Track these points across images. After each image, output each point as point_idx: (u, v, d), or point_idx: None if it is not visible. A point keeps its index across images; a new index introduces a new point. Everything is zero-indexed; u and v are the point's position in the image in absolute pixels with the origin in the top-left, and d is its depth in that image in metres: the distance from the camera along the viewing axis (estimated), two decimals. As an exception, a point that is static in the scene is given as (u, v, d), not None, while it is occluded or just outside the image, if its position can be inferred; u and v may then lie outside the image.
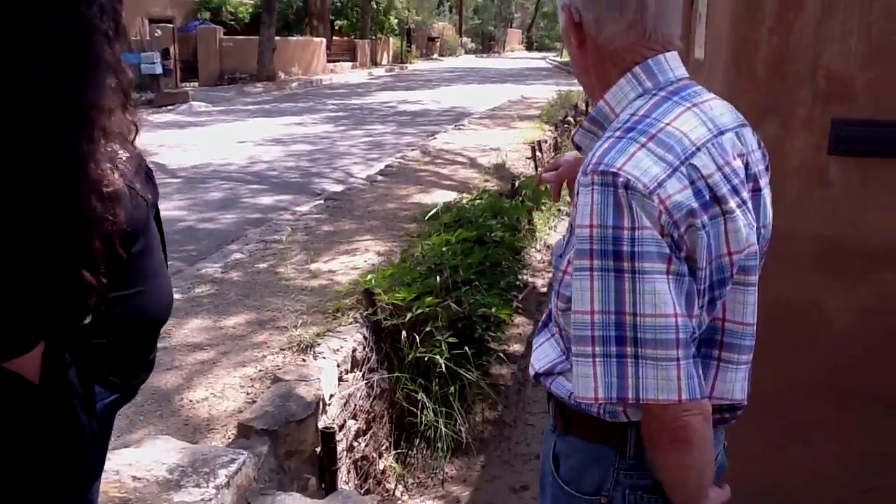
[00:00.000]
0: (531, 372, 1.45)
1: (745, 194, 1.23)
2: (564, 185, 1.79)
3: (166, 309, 1.61)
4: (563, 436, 1.39)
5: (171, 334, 4.25)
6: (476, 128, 13.76)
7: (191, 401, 3.55)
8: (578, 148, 1.38)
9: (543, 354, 1.41)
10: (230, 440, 3.15)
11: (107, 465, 2.52)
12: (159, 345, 4.10)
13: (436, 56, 48.77)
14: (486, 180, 8.76)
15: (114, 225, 1.30)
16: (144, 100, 18.07)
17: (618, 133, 1.20)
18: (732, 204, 1.19)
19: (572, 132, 1.40)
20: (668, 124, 1.19)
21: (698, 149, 1.19)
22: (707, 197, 1.17)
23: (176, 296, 4.87)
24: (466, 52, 55.23)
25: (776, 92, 2.30)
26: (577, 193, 1.18)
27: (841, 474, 2.59)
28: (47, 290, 1.26)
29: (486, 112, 16.35)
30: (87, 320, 1.36)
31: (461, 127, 13.95)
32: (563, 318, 1.29)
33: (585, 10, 1.27)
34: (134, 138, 1.40)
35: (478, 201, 6.84)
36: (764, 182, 1.33)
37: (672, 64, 1.29)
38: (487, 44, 62.21)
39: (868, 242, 2.33)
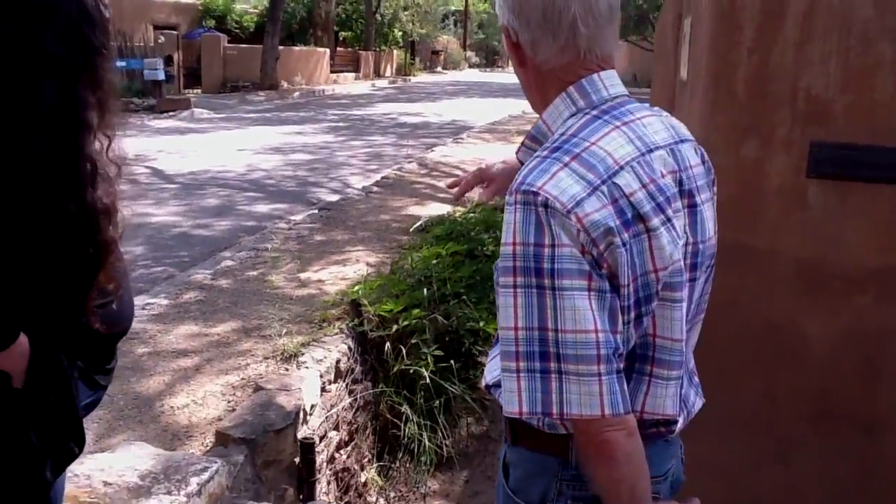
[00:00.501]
0: (483, 383, 1.46)
1: (671, 211, 1.24)
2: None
3: (131, 317, 1.63)
4: (511, 446, 1.40)
5: (156, 340, 4.24)
6: (475, 141, 13.78)
7: (171, 407, 3.54)
8: (522, 164, 1.39)
9: (494, 367, 1.41)
10: (208, 448, 3.14)
11: (78, 470, 2.52)
12: (142, 350, 4.09)
13: (439, 69, 48.93)
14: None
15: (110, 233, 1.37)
16: (146, 105, 18.13)
17: (545, 153, 1.22)
18: (656, 221, 1.20)
19: (517, 151, 1.43)
20: (593, 143, 1.21)
21: (621, 167, 1.20)
22: (629, 215, 1.18)
23: (164, 302, 4.88)
24: (470, 66, 55.42)
25: (756, 112, 2.30)
26: (505, 211, 1.20)
27: (820, 496, 2.58)
28: (54, 292, 1.33)
29: (487, 126, 16.39)
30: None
31: (460, 140, 13.98)
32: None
33: (521, 32, 1.29)
34: (108, 151, 1.44)
35: (470, 215, 6.84)
36: (705, 197, 1.33)
37: (607, 82, 1.30)
38: (491, 58, 62.40)
39: (847, 265, 2.33)
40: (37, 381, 1.35)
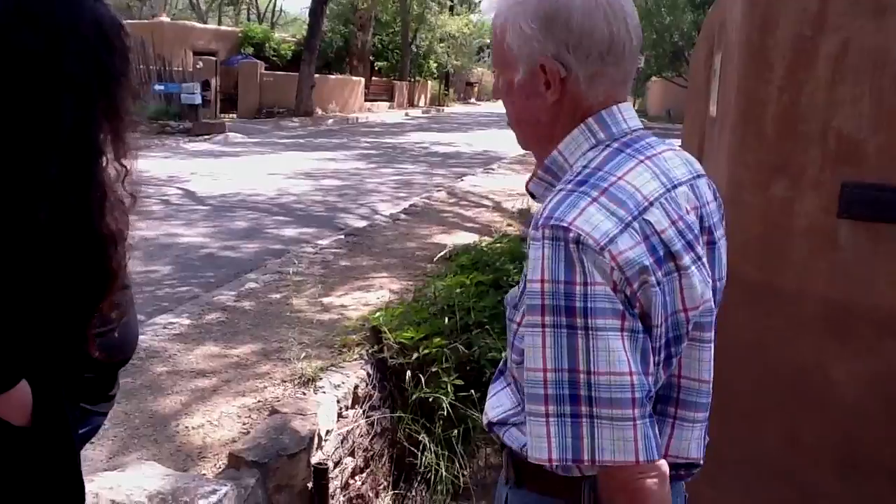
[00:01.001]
0: (484, 420, 1.40)
1: (700, 249, 1.21)
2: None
3: (134, 344, 1.61)
4: (515, 488, 1.34)
5: (175, 359, 4.25)
6: (505, 172, 13.79)
7: (186, 427, 3.53)
8: (532, 195, 1.36)
9: (498, 403, 1.36)
10: (220, 470, 3.12)
11: (88, 488, 2.51)
12: (161, 368, 4.09)
13: (473, 100, 49.24)
14: (510, 224, 8.75)
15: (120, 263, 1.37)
16: (182, 128, 18.42)
17: (569, 186, 1.17)
18: (687, 259, 1.17)
19: (528, 182, 1.39)
20: (620, 178, 1.17)
21: (651, 203, 1.16)
22: (661, 253, 1.15)
23: (186, 321, 4.90)
24: (504, 98, 55.59)
25: (786, 151, 2.26)
26: (529, 247, 1.15)
27: (842, 549, 2.49)
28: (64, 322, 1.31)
29: (517, 157, 16.39)
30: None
31: (490, 170, 14.00)
32: (517, 371, 1.26)
33: (577, 66, 1.23)
34: (124, 179, 1.42)
35: (496, 245, 6.81)
36: (720, 234, 1.31)
37: (626, 115, 1.27)
38: (525, 91, 62.62)
39: (878, 309, 2.27)
40: (39, 434, 1.32)
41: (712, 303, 1.22)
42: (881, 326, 2.31)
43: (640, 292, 1.12)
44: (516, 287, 1.31)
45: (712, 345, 1.25)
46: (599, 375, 1.08)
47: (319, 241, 7.90)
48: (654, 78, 34.25)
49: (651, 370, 1.14)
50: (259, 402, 3.76)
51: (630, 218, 1.13)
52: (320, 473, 3.23)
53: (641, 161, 1.21)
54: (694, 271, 1.18)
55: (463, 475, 4.28)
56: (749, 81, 2.26)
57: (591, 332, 1.08)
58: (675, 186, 1.22)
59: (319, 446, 3.47)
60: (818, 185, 2.26)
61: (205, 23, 38.24)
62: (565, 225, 1.10)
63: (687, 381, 1.25)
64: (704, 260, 1.22)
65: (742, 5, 2.27)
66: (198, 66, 20.23)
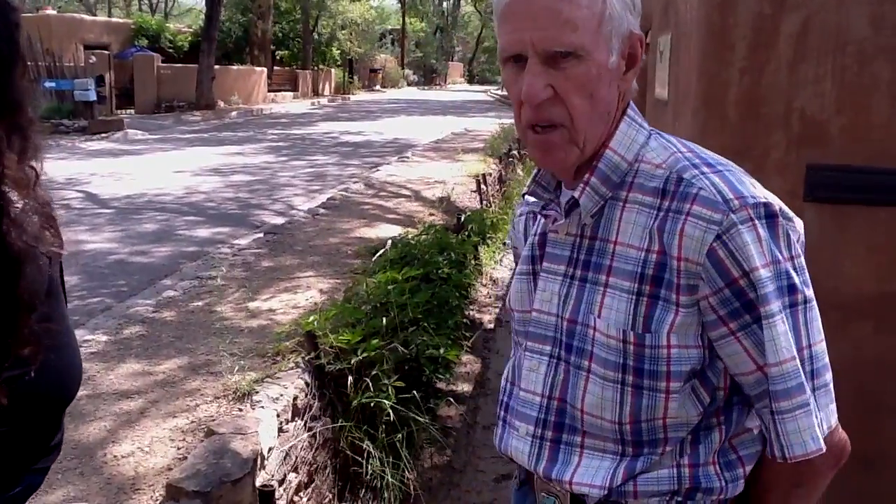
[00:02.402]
0: (592, 492, 1.18)
1: None
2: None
3: (72, 384, 1.39)
4: None
5: (95, 381, 3.95)
6: (420, 160, 13.64)
7: (115, 456, 3.26)
8: (567, 211, 1.17)
9: (593, 471, 1.17)
10: (157, 503, 2.88)
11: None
12: (82, 392, 3.78)
13: (378, 88, 48.79)
14: (432, 214, 8.61)
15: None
16: (77, 127, 17.56)
17: (705, 168, 1.10)
18: None
19: (577, 193, 1.14)
20: (712, 154, 1.16)
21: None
22: None
23: (103, 338, 4.58)
24: (409, 85, 55.41)
25: (749, 135, 2.19)
26: (719, 236, 1.05)
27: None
28: None
29: (431, 144, 16.27)
30: None
31: (405, 159, 13.82)
32: (675, 401, 1.11)
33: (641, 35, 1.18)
34: (35, 184, 1.18)
35: (424, 237, 6.66)
36: None
37: None
38: (430, 76, 62.55)
39: (844, 293, 2.22)
40: None
41: None
42: (848, 310, 2.27)
43: None
44: (601, 310, 1.13)
45: None
46: (817, 345, 1.10)
47: (237, 241, 7.60)
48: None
49: None
50: (192, 422, 3.52)
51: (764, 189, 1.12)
52: (266, 497, 3.03)
53: None
54: None
55: (410, 479, 4.15)
56: (710, 63, 2.17)
57: (808, 305, 1.08)
58: None
59: (262, 466, 3.26)
60: (783, 169, 2.19)
61: (94, 15, 36.55)
62: (765, 201, 1.07)
63: None
64: None
65: (699, -16, 2.18)
66: (90, 61, 19.26)
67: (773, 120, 2.17)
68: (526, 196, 1.30)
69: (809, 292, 1.08)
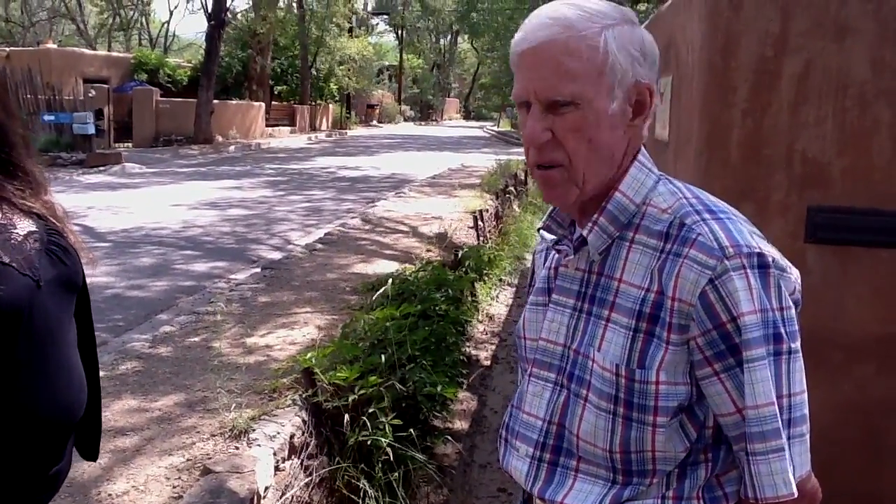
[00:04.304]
0: None
1: None
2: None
3: (65, 411, 1.38)
4: None
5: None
6: (417, 195, 13.68)
7: (109, 495, 3.21)
8: (576, 247, 1.24)
9: (584, 495, 1.22)
10: (153, 544, 2.84)
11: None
12: (76, 432, 3.72)
13: (375, 123, 49.14)
14: (429, 250, 8.61)
15: None
16: (75, 160, 17.61)
17: (707, 215, 1.15)
18: None
19: (585, 232, 1.21)
20: (720, 202, 1.20)
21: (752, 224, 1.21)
22: None
23: (99, 373, 4.53)
24: (405, 120, 55.81)
25: (751, 176, 2.20)
26: (712, 280, 1.09)
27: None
28: None
29: (427, 180, 16.33)
30: None
31: (402, 194, 13.85)
32: (663, 434, 1.16)
33: (653, 85, 1.22)
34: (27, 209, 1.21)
35: (421, 273, 6.65)
36: None
37: None
38: (426, 112, 63.03)
39: (847, 334, 2.22)
40: None
41: None
42: (851, 351, 2.26)
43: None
44: (602, 343, 1.19)
45: None
46: (796, 396, 1.11)
47: (233, 276, 7.58)
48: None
49: None
50: (188, 460, 3.47)
51: (763, 238, 1.16)
52: (263, 537, 2.98)
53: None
54: None
55: (407, 520, 4.09)
56: (713, 105, 2.19)
57: (793, 356, 1.11)
58: None
59: (258, 506, 3.21)
60: (785, 210, 2.20)
61: (94, 49, 36.83)
62: (759, 251, 1.11)
63: None
64: None
65: (702, 27, 2.20)
66: (90, 95, 19.35)
67: (775, 161, 2.18)
68: (541, 231, 1.36)
69: (795, 344, 1.11)
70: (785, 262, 1.14)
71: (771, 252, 1.12)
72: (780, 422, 1.09)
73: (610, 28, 1.15)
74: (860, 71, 2.10)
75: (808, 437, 1.13)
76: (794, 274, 1.15)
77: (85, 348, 1.51)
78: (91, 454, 1.67)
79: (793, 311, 1.12)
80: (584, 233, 1.21)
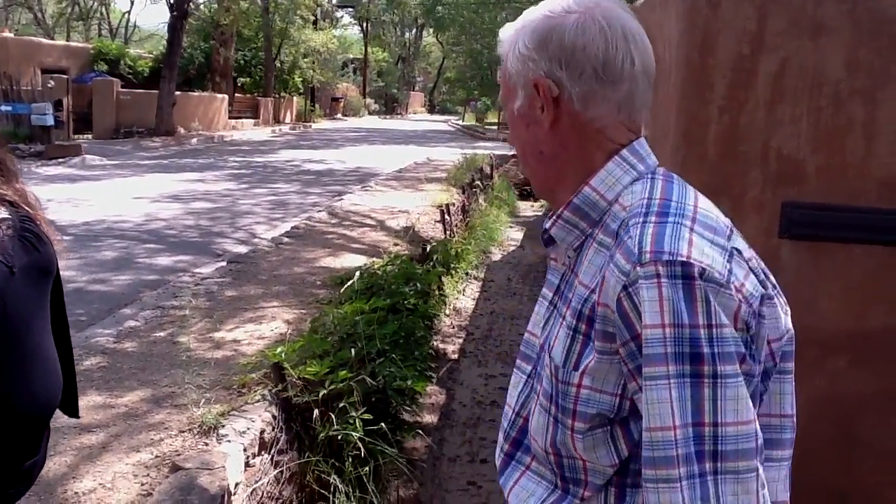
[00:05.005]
0: None
1: (772, 276, 1.14)
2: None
3: (40, 402, 1.35)
4: None
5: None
6: (383, 189, 13.63)
7: (76, 493, 3.15)
8: (549, 242, 1.22)
9: (527, 494, 1.20)
10: (122, 542, 2.79)
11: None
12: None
13: (339, 116, 48.87)
14: (397, 244, 8.58)
15: None
16: (33, 152, 17.24)
17: (652, 218, 1.05)
18: (770, 287, 1.09)
19: (546, 223, 1.21)
20: (696, 206, 1.08)
21: (732, 231, 1.10)
22: (758, 282, 1.07)
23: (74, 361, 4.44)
24: (370, 113, 55.58)
25: (727, 172, 2.22)
26: (626, 287, 1.01)
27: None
28: None
29: (393, 174, 16.28)
30: None
31: (368, 188, 13.80)
32: (581, 442, 1.09)
33: (571, 84, 1.13)
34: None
35: (390, 267, 6.63)
36: None
37: (648, 149, 1.19)
38: (391, 105, 62.86)
39: (820, 329, 2.25)
40: None
41: (793, 331, 1.15)
42: (824, 346, 2.29)
43: (756, 328, 1.03)
44: (555, 341, 1.15)
45: (793, 375, 1.17)
46: (727, 427, 0.97)
47: (198, 270, 7.49)
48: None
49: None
50: (157, 457, 3.42)
51: (728, 246, 1.05)
52: (234, 534, 2.95)
53: (695, 191, 1.14)
54: (777, 300, 1.10)
55: (377, 515, 4.08)
56: (690, 102, 2.20)
57: (718, 381, 0.97)
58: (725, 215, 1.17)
59: (229, 503, 3.18)
60: (760, 207, 2.23)
61: (52, 39, 36.09)
62: (683, 259, 0.99)
63: (768, 419, 1.14)
64: (779, 287, 1.15)
65: (679, 24, 2.21)
66: (48, 85, 18.95)
67: (751, 158, 2.21)
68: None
69: (726, 368, 0.97)
70: (725, 277, 1.00)
71: (709, 264, 0.99)
72: (680, 450, 0.97)
73: (521, 32, 1.17)
74: (835, 70, 2.13)
75: (751, 477, 0.98)
76: (738, 292, 1.00)
77: (59, 336, 1.49)
78: (73, 411, 1.63)
79: (728, 330, 0.98)
80: (547, 225, 1.20)
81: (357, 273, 5.64)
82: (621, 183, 1.13)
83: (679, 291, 0.98)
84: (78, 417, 1.64)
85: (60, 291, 1.50)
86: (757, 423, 0.99)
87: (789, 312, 1.14)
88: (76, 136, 21.27)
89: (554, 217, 1.19)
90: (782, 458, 1.17)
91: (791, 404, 1.17)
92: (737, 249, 1.06)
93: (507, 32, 1.20)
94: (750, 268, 1.06)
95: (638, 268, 1.00)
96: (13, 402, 1.25)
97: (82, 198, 12.11)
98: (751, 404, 0.99)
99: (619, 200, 1.12)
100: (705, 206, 1.10)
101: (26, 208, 1.45)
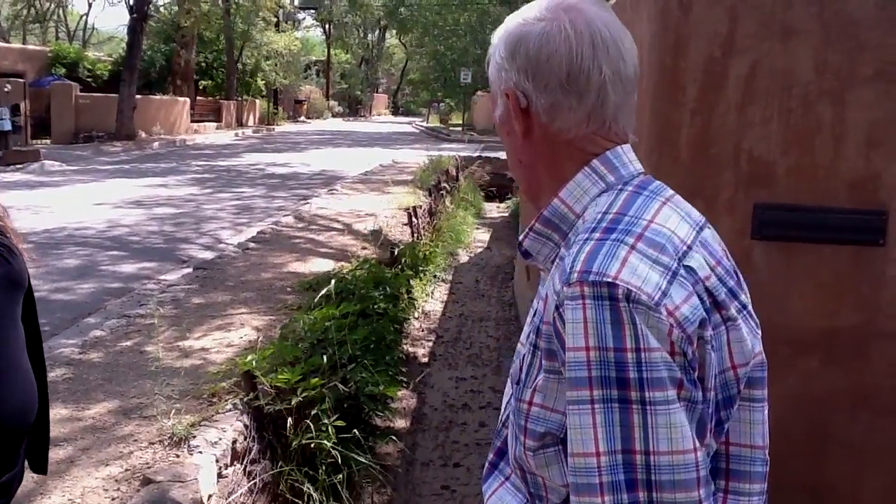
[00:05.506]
0: None
1: (744, 297, 1.09)
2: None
3: (16, 414, 1.31)
4: None
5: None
6: (349, 192, 13.57)
7: (44, 510, 3.08)
8: (527, 255, 1.18)
9: (504, 500, 1.18)
10: (93, 559, 2.73)
11: None
12: None
13: (303, 118, 48.56)
14: (365, 247, 8.54)
15: None
16: (-10, 157, 16.87)
17: (597, 235, 1.01)
18: (733, 310, 1.04)
19: (520, 236, 1.18)
20: (651, 221, 1.02)
21: (689, 248, 1.03)
22: (708, 304, 1.00)
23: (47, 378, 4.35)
24: (334, 116, 55.31)
25: (699, 175, 2.23)
26: (557, 307, 0.99)
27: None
28: None
29: (359, 176, 16.22)
30: None
31: (334, 191, 13.72)
32: (533, 459, 1.08)
33: (537, 95, 1.10)
34: None
35: (359, 272, 6.60)
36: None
37: (630, 157, 1.13)
38: (355, 107, 62.63)
39: (792, 328, 2.28)
40: None
41: (763, 356, 1.09)
42: (796, 345, 2.32)
43: (698, 353, 0.97)
44: (515, 356, 1.14)
45: (765, 404, 1.11)
46: (660, 455, 0.92)
47: (164, 277, 7.38)
48: (480, 92, 35.11)
49: (707, 441, 0.99)
50: (127, 470, 3.35)
51: (675, 265, 0.99)
52: (209, 547, 2.90)
53: (664, 202, 1.07)
54: (741, 323, 1.04)
55: (352, 523, 4.05)
56: (662, 104, 2.21)
57: (648, 407, 0.92)
58: (701, 228, 1.10)
59: (202, 515, 3.13)
60: (732, 208, 2.24)
61: (7, 42, 35.40)
62: (609, 280, 0.94)
63: (737, 448, 1.09)
64: (750, 308, 1.09)
65: (651, 27, 2.22)
66: (5, 90, 18.58)
67: (723, 160, 2.22)
68: None
69: (655, 394, 0.92)
70: (657, 298, 0.94)
71: (639, 286, 0.94)
72: (604, 478, 0.94)
73: (500, 40, 1.14)
74: (804, 72, 2.16)
75: None
76: (671, 315, 0.95)
77: (32, 351, 1.45)
78: (40, 466, 1.58)
79: (658, 354, 0.93)
80: (521, 237, 1.17)
81: (332, 281, 5.59)
82: (588, 195, 1.10)
83: (604, 313, 0.94)
84: (45, 473, 1.58)
85: (33, 306, 1.46)
86: (700, 452, 0.94)
87: (759, 335, 1.09)
88: (34, 142, 20.92)
89: (527, 229, 1.16)
90: (752, 492, 1.10)
91: (762, 435, 1.11)
92: (689, 268, 1.00)
93: (494, 37, 1.17)
94: (705, 287, 1.01)
95: (566, 288, 0.97)
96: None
97: (42, 204, 11.88)
98: (689, 432, 0.94)
99: (585, 214, 1.09)
100: (664, 220, 1.04)
101: None
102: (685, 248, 1.02)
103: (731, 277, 1.08)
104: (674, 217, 1.05)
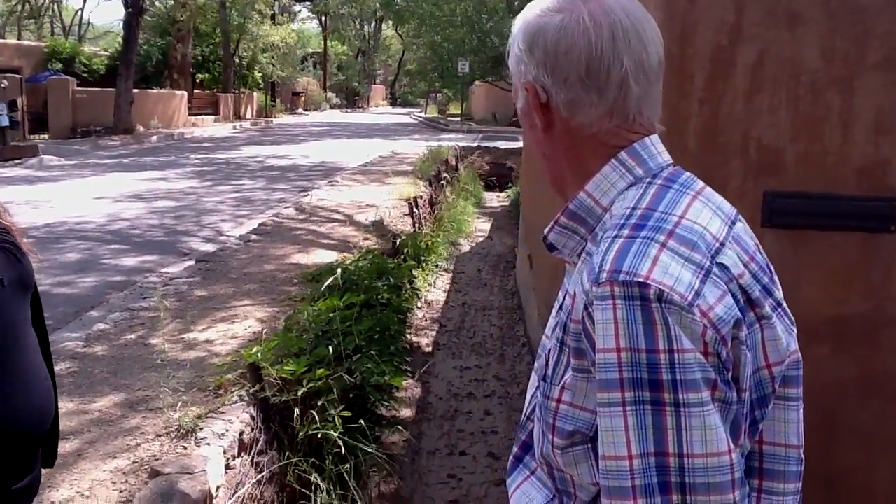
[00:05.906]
0: None
1: (778, 294, 1.07)
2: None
3: (34, 418, 1.31)
4: None
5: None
6: (350, 183, 13.55)
7: (52, 503, 3.09)
8: (552, 248, 1.16)
9: (526, 499, 1.16)
10: (104, 551, 2.74)
11: None
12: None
13: (300, 110, 48.51)
14: (366, 238, 8.54)
15: None
16: (-12, 152, 16.84)
17: (626, 232, 0.98)
18: (767, 308, 1.02)
19: (545, 229, 1.15)
20: (682, 217, 1.00)
21: (722, 244, 1.00)
22: (742, 302, 0.98)
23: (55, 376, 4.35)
24: (332, 107, 55.24)
25: (708, 164, 2.23)
26: (586, 307, 0.97)
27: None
28: None
29: (359, 167, 16.19)
30: None
31: (335, 183, 13.71)
32: (561, 457, 1.07)
33: (556, 90, 1.07)
34: None
35: (362, 262, 6.60)
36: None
37: (658, 147, 1.12)
38: (352, 99, 62.51)
39: (803, 316, 2.26)
40: None
41: (799, 354, 1.08)
42: (806, 333, 2.30)
43: (733, 353, 0.95)
44: (541, 352, 1.12)
45: (800, 402, 1.10)
46: (695, 458, 0.91)
47: (166, 270, 7.38)
48: (477, 82, 35.03)
49: (741, 441, 0.98)
50: (134, 462, 3.36)
51: (708, 263, 0.96)
52: (219, 539, 2.91)
53: (695, 196, 1.05)
54: (776, 320, 1.03)
55: (359, 512, 4.06)
56: (670, 94, 2.19)
57: (681, 409, 0.91)
58: (733, 223, 1.07)
59: (211, 506, 3.14)
60: (741, 196, 2.24)
61: (3, 38, 35.29)
62: (641, 280, 0.92)
63: (771, 447, 1.09)
64: (784, 305, 1.08)
65: (658, 15, 2.21)
66: (2, 85, 18.52)
67: (732, 149, 2.22)
68: None
69: (689, 396, 0.91)
70: (687, 299, 0.92)
71: (669, 285, 0.92)
72: (636, 481, 0.92)
73: (518, 31, 1.12)
74: (811, 59, 2.16)
75: None
76: (705, 316, 0.93)
77: (40, 349, 1.45)
78: (48, 460, 1.59)
79: (691, 356, 0.91)
80: (546, 230, 1.14)
81: (339, 270, 5.59)
82: (616, 188, 1.07)
83: (636, 314, 0.91)
84: (52, 467, 1.59)
85: (40, 307, 1.46)
86: (734, 453, 0.93)
87: (795, 332, 1.08)
88: (32, 137, 20.87)
89: (552, 222, 1.14)
90: (786, 492, 1.09)
91: (797, 434, 1.11)
92: (722, 265, 0.98)
93: (514, 26, 1.14)
94: (739, 286, 0.99)
95: (595, 287, 0.95)
96: (6, 419, 1.22)
97: (42, 199, 11.88)
98: (724, 434, 0.92)
99: (612, 208, 1.07)
100: (695, 215, 1.02)
101: (2, 221, 1.40)
102: (718, 244, 1.00)
103: (765, 273, 1.06)
104: (705, 212, 1.03)
